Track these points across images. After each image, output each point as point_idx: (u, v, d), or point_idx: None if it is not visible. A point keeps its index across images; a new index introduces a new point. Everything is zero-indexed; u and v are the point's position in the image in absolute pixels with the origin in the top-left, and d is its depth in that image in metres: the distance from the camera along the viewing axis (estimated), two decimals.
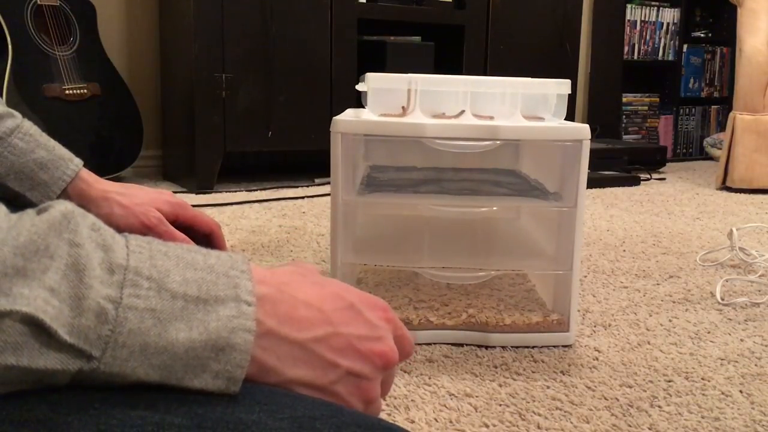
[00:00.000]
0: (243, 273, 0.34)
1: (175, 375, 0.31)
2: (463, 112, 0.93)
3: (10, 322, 0.27)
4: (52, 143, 0.77)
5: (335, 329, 0.37)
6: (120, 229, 0.77)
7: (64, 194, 0.77)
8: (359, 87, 1.02)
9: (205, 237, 0.88)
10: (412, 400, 0.77)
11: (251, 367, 0.33)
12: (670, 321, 1.06)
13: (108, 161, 2.29)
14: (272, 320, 0.35)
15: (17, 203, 0.76)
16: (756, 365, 0.90)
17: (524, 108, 0.93)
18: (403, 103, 0.94)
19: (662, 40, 3.72)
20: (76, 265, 0.29)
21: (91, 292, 0.29)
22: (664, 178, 2.82)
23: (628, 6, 3.63)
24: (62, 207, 0.31)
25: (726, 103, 3.87)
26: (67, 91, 2.19)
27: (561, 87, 0.94)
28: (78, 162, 0.78)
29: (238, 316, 0.33)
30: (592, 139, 1.00)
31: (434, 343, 0.94)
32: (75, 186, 0.77)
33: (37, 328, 0.28)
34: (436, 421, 0.73)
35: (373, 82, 0.93)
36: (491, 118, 0.94)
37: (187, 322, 0.31)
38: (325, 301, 0.38)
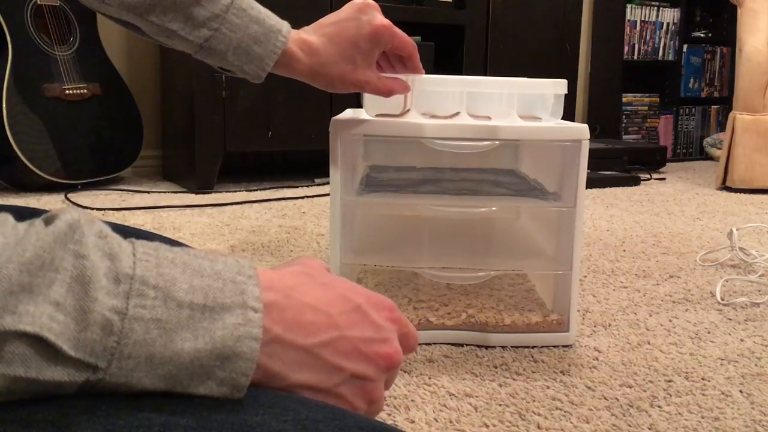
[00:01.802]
0: (250, 278, 0.34)
1: (180, 383, 0.32)
2: (457, 113, 0.93)
3: (17, 339, 0.28)
4: (262, 15, 0.80)
5: (341, 333, 0.37)
6: (334, 86, 0.84)
7: (277, 65, 0.81)
8: None
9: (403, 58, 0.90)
10: (412, 400, 0.77)
11: (256, 373, 0.33)
12: (670, 321, 1.07)
13: (108, 161, 2.29)
14: (278, 327, 0.35)
15: (230, 75, 0.82)
16: (756, 365, 0.90)
17: (521, 108, 0.93)
18: (400, 104, 0.94)
19: (662, 40, 3.72)
20: (81, 278, 0.29)
21: (96, 304, 0.29)
22: (664, 178, 2.82)
23: (628, 6, 3.63)
24: (68, 217, 0.31)
25: (726, 103, 3.86)
26: (67, 91, 2.19)
27: (558, 87, 0.94)
28: (286, 32, 0.81)
29: (244, 323, 0.33)
30: (591, 139, 1.00)
31: (434, 343, 0.94)
32: (282, 59, 0.82)
33: (43, 343, 0.28)
34: (436, 421, 0.73)
35: None
36: (488, 118, 0.94)
37: (193, 331, 0.31)
38: (332, 305, 0.38)
